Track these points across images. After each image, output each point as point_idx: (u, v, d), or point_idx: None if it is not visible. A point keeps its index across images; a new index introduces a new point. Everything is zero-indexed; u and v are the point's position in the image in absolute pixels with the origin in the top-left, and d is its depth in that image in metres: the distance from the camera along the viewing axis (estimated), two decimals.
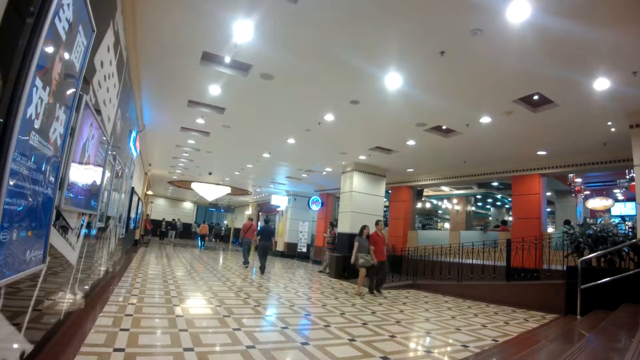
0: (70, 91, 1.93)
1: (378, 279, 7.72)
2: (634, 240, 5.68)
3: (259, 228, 11.31)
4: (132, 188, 8.60)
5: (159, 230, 24.84)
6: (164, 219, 26.68)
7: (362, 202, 10.84)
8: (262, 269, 9.87)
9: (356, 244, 7.59)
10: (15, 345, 1.93)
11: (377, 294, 7.53)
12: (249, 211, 26.01)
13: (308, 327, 4.54)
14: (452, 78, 5.00)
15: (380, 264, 7.63)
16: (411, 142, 8.18)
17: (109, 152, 3.64)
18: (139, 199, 12.10)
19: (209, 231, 25.20)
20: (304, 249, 17.27)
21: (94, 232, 3.85)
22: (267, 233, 10.34)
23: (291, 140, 8.89)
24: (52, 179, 1.85)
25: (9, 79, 1.26)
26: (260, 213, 24.27)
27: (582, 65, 4.37)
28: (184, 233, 27.30)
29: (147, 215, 21.31)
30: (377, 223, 8.10)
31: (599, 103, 5.31)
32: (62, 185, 2.08)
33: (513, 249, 7.97)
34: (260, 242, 10.18)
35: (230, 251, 14.56)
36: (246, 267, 11.10)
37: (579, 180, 11.70)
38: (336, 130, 7.71)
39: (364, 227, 7.87)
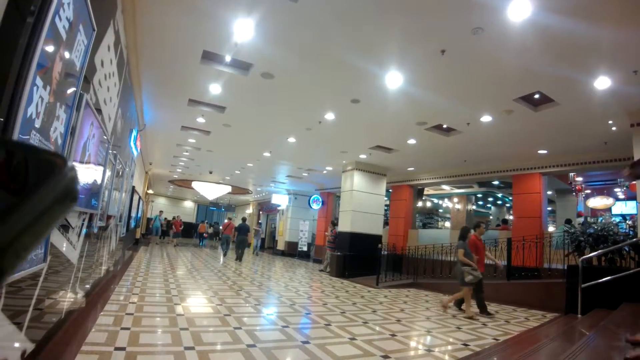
0: (70, 90, 1.93)
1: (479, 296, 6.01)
2: (634, 239, 5.67)
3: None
4: (133, 187, 8.60)
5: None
6: (165, 218, 26.64)
7: (362, 201, 10.84)
8: (240, 258, 12.33)
9: (461, 251, 5.77)
10: (17, 344, 1.94)
11: (484, 314, 5.91)
12: (249, 210, 26.03)
13: (309, 325, 4.55)
14: (453, 77, 4.99)
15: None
16: (412, 141, 8.17)
17: (110, 151, 3.64)
18: (139, 198, 12.12)
19: (211, 230, 25.13)
20: (305, 248, 17.29)
21: (94, 231, 3.86)
22: (244, 230, 12.79)
23: (292, 139, 8.89)
24: None
25: (10, 78, 1.26)
26: (260, 212, 24.28)
27: (583, 64, 4.36)
28: (185, 232, 27.22)
29: (178, 216, 20.01)
30: (478, 225, 6.35)
31: (600, 102, 5.30)
32: None
33: (514, 247, 7.97)
34: (237, 237, 12.64)
35: (230, 250, 14.58)
36: (224, 256, 13.47)
37: (579, 179, 11.68)
38: (337, 129, 7.70)
39: (467, 230, 6.05)
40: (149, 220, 22.02)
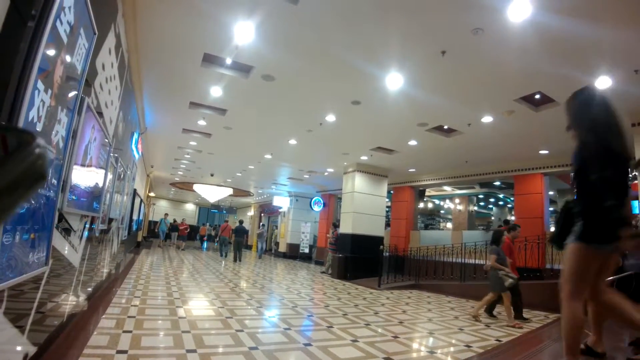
0: (72, 94, 1.94)
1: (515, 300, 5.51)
2: None
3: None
4: (135, 190, 8.62)
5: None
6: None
7: (364, 203, 10.83)
8: (239, 259, 12.69)
9: (494, 256, 5.38)
10: (19, 348, 1.94)
11: (521, 319, 5.53)
12: (251, 212, 26.04)
13: (311, 328, 4.54)
14: (453, 77, 4.99)
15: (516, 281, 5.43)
16: (413, 142, 8.17)
17: (111, 154, 3.65)
18: (141, 200, 12.14)
19: (213, 232, 25.10)
20: (306, 250, 17.28)
21: (96, 234, 3.86)
22: (241, 232, 13.37)
23: (293, 141, 8.90)
24: (54, 181, 1.86)
25: (11, 82, 1.27)
26: (262, 214, 24.29)
27: (583, 64, 4.36)
28: (188, 235, 27.09)
29: (183, 219, 19.50)
30: (514, 228, 6.00)
31: None
32: (65, 188, 2.08)
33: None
34: (235, 239, 13.15)
35: (231, 252, 14.61)
36: (222, 258, 13.85)
37: None
38: (338, 130, 7.71)
39: (501, 233, 5.63)
40: (151, 222, 21.76)
